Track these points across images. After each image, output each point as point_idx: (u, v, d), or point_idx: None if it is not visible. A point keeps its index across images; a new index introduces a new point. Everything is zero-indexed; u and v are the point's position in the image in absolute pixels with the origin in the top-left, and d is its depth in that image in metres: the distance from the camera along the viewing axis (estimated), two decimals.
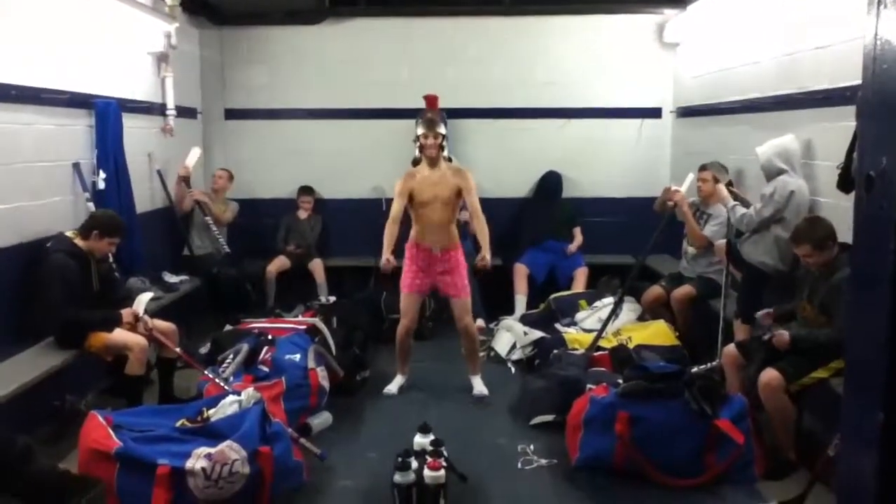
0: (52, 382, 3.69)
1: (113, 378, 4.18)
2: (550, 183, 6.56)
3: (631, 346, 4.63)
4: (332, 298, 5.89)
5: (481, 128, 6.80)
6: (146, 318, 4.02)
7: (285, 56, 6.74)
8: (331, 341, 4.59)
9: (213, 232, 5.91)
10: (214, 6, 6.38)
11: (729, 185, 4.74)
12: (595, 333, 4.81)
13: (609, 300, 5.32)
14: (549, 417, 4.00)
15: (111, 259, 4.25)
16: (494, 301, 5.99)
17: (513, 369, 5.03)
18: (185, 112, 6.12)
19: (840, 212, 3.59)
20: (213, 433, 3.01)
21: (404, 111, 6.35)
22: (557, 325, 5.36)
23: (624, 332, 4.91)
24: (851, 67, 3.44)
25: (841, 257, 3.40)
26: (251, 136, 6.82)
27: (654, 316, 5.29)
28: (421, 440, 3.31)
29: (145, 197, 5.38)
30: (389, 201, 4.55)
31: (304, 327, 4.61)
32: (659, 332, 4.86)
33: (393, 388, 4.57)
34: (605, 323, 4.89)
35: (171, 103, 5.73)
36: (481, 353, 4.82)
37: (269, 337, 4.26)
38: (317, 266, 6.35)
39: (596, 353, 4.53)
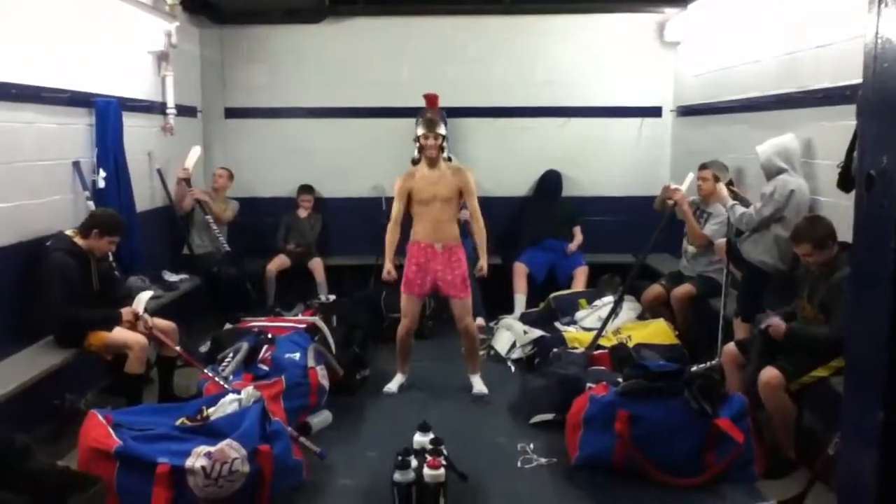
0: (51, 381, 3.70)
1: (113, 377, 4.18)
2: (550, 182, 6.56)
3: (631, 344, 4.63)
4: (332, 297, 5.88)
5: (481, 127, 6.80)
6: (146, 316, 4.03)
7: (285, 55, 6.74)
8: (330, 340, 4.59)
9: (213, 231, 5.91)
10: (214, 5, 6.38)
11: (729, 184, 4.74)
12: (595, 332, 4.82)
13: (609, 299, 5.32)
14: (548, 416, 4.00)
15: (111, 258, 4.25)
16: (494, 300, 5.98)
17: (512, 368, 5.03)
18: (185, 111, 6.12)
19: (840, 211, 3.59)
20: (212, 432, 3.00)
21: (404, 110, 6.35)
22: (557, 324, 5.36)
23: (624, 331, 4.91)
24: (852, 66, 3.45)
25: (841, 256, 3.39)
26: (251, 134, 6.81)
27: (654, 315, 5.29)
28: (421, 439, 3.31)
29: (145, 196, 5.38)
30: (389, 200, 4.55)
31: (303, 326, 4.61)
32: (659, 331, 4.87)
33: (393, 386, 4.57)
34: (604, 322, 4.89)
35: (171, 102, 5.73)
36: (481, 352, 4.82)
37: (269, 336, 4.26)
38: (317, 265, 6.35)
39: (596, 352, 4.53)
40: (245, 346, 4.12)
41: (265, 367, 4.00)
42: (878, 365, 1.32)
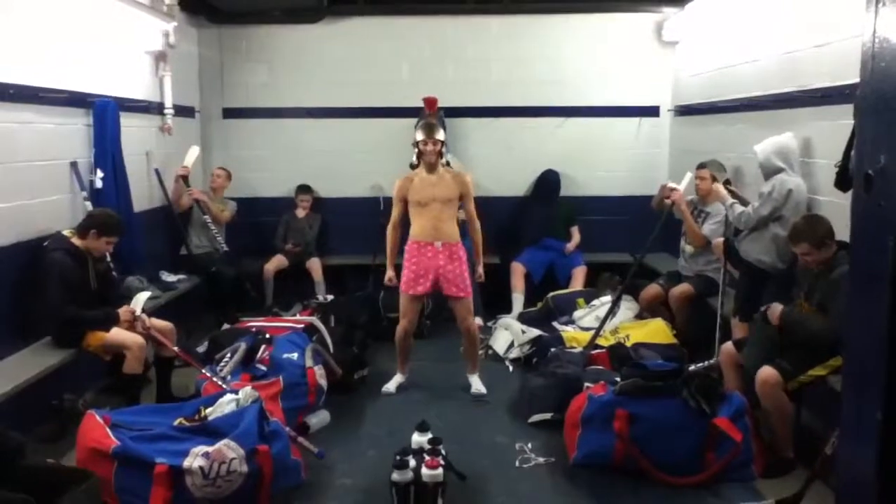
0: (49, 381, 3.69)
1: (111, 377, 4.17)
2: (549, 181, 6.56)
3: (629, 344, 4.63)
4: (330, 297, 5.89)
5: (480, 126, 6.79)
6: (144, 316, 4.03)
7: (284, 55, 6.73)
8: (328, 340, 4.58)
9: (211, 231, 5.91)
10: (213, 5, 6.37)
11: (727, 183, 4.74)
12: (593, 332, 4.82)
13: (607, 298, 5.33)
14: (547, 416, 4.00)
15: (109, 258, 4.24)
16: (492, 299, 5.99)
17: (511, 368, 5.03)
18: (183, 111, 6.11)
19: (838, 210, 3.59)
20: (210, 432, 3.00)
21: (403, 110, 6.35)
22: (555, 324, 5.36)
23: (622, 331, 4.91)
24: (851, 65, 3.43)
25: (839, 256, 3.39)
26: (249, 134, 6.81)
27: (653, 314, 5.30)
28: (419, 438, 3.30)
29: (143, 196, 5.37)
30: (388, 200, 4.56)
31: (301, 326, 4.60)
32: (657, 331, 4.87)
33: (391, 386, 4.57)
34: (602, 321, 4.90)
35: (169, 102, 5.73)
36: (479, 352, 4.82)
37: (267, 335, 4.25)
38: (315, 265, 6.35)
39: (594, 352, 4.54)
40: (243, 346, 4.11)
41: (263, 367, 3.99)
42: (876, 364, 1.32)
